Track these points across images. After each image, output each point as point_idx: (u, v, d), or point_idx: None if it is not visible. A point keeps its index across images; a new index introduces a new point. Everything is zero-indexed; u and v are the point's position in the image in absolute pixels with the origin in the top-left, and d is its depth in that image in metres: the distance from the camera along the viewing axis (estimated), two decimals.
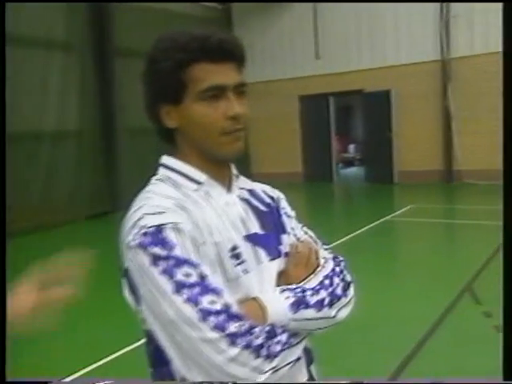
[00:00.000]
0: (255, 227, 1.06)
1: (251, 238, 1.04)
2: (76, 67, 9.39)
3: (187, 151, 1.05)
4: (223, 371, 0.87)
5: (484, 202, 8.86)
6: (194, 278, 0.89)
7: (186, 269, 0.89)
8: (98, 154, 9.83)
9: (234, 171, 1.11)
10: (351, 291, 1.09)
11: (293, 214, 1.19)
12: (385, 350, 3.43)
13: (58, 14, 9.07)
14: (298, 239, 1.14)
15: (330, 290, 1.04)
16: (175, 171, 1.04)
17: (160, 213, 0.93)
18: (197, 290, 0.88)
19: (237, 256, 0.99)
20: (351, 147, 18.59)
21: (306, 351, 1.08)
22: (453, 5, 10.68)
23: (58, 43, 9.10)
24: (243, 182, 1.14)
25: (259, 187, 1.18)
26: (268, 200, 1.15)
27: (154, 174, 1.08)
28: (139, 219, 0.93)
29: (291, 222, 1.16)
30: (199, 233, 0.95)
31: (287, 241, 1.11)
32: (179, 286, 0.88)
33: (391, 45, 11.49)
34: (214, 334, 0.87)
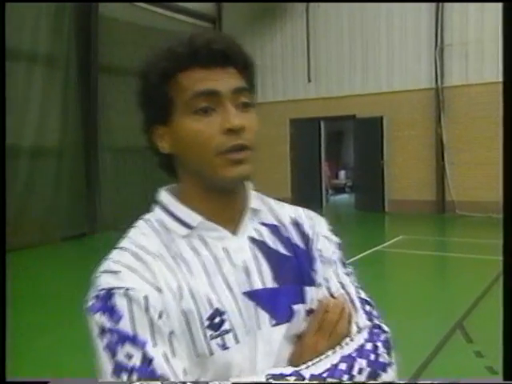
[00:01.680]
0: (265, 279, 0.88)
1: (252, 296, 0.86)
2: (59, 83, 9.39)
3: (185, 182, 0.91)
4: None
5: (477, 234, 8.93)
6: (135, 361, 0.76)
7: (128, 348, 0.77)
8: (77, 172, 9.77)
9: (254, 203, 0.93)
10: (386, 376, 0.86)
11: (335, 256, 0.97)
12: None
13: (43, 28, 9.11)
14: (331, 294, 0.92)
15: (346, 377, 0.83)
16: (166, 211, 0.90)
17: (116, 272, 0.81)
18: (134, 377, 0.76)
19: (216, 326, 0.82)
20: (342, 173, 18.75)
21: None
22: (447, 33, 10.95)
23: (41, 57, 9.12)
24: (269, 215, 0.95)
25: (293, 219, 0.97)
26: (297, 239, 0.95)
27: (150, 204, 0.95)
28: (98, 276, 0.83)
29: (327, 269, 0.95)
30: (161, 300, 0.80)
31: (314, 295, 0.91)
32: (117, 369, 0.76)
33: (385, 71, 11.71)
34: None
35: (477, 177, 10.77)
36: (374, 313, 0.94)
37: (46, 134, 9.21)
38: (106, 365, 0.78)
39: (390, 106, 11.57)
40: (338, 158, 19.24)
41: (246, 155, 0.84)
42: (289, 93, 12.91)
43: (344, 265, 0.99)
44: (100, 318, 0.79)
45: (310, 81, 12.62)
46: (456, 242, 9.02)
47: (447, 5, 10.80)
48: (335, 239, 1.00)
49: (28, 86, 8.84)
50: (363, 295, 0.96)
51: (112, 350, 0.77)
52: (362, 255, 7.47)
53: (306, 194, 12.83)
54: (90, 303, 0.81)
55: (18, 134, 8.59)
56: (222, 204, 0.89)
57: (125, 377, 0.76)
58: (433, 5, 10.90)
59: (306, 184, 12.87)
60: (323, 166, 13.18)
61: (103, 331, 0.78)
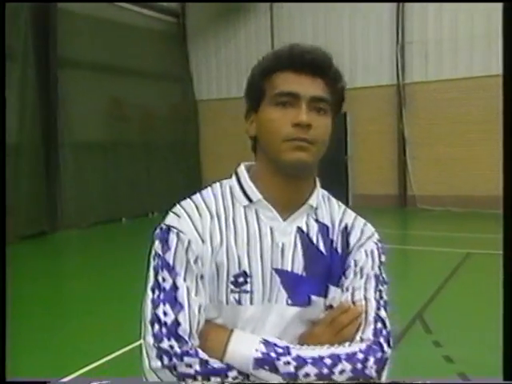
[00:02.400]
0: (295, 265, 1.02)
1: (280, 274, 1.02)
2: (16, 76, 9.12)
3: (259, 162, 1.08)
4: (143, 375, 0.97)
5: (436, 228, 9.18)
6: (166, 284, 0.98)
7: (165, 273, 0.98)
8: (37, 169, 9.52)
9: (313, 201, 1.07)
10: None
11: (371, 272, 1.07)
12: None
13: None
14: (354, 302, 1.03)
15: (326, 371, 0.94)
16: (238, 181, 1.08)
17: (178, 216, 1.03)
18: (162, 295, 0.97)
19: (239, 284, 1.00)
20: None
21: None
22: (408, 30, 11.18)
23: None
24: (326, 215, 1.09)
25: (345, 225, 1.10)
26: (340, 245, 1.08)
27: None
28: (167, 214, 1.05)
29: (359, 280, 1.05)
30: (201, 248, 1.00)
31: (337, 295, 1.04)
32: (155, 285, 0.99)
33: (347, 67, 11.85)
34: (151, 340, 0.95)
35: (437, 172, 11.06)
36: (383, 332, 1.02)
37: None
38: (151, 279, 1.00)
39: (352, 102, 11.70)
40: None
41: (307, 146, 0.99)
42: None
43: (378, 282, 1.07)
44: (158, 245, 1.02)
45: None
46: (416, 235, 9.25)
47: (408, 4, 11.02)
48: (378, 257, 1.10)
49: None
50: (382, 314, 1.04)
51: (155, 270, 1.00)
52: None
53: None
54: (157, 231, 1.04)
55: None
56: (283, 190, 1.04)
57: (157, 293, 0.98)
58: (394, 4, 11.10)
59: None
60: None
61: (156, 254, 1.01)
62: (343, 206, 1.16)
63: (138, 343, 3.86)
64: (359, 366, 0.96)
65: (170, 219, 1.03)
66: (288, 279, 1.02)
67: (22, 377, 2.92)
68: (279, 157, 1.01)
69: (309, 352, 0.96)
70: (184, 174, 12.51)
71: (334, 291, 1.04)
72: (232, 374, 0.93)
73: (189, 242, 0.99)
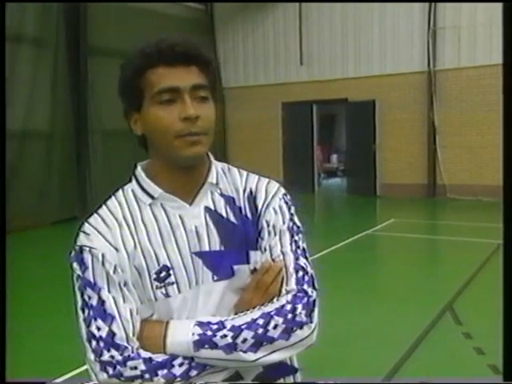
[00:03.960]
0: (212, 243, 1.07)
1: (200, 256, 1.06)
2: (48, 64, 9.26)
3: (153, 158, 1.10)
4: None
5: (467, 218, 9.00)
6: (92, 301, 1.01)
7: (89, 291, 1.02)
8: (68, 156, 9.69)
9: (213, 178, 1.10)
10: (301, 333, 1.02)
11: (283, 226, 1.11)
12: (362, 370, 3.43)
13: (30, 8, 8.95)
14: (274, 260, 1.08)
15: (261, 331, 1.00)
16: (137, 182, 1.11)
17: (88, 234, 1.05)
18: (91, 312, 1.01)
19: (163, 278, 1.04)
20: (334, 157, 18.75)
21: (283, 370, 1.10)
22: (439, 16, 10.91)
23: (29, 38, 8.97)
24: (229, 187, 1.12)
25: (250, 190, 1.13)
26: (248, 210, 1.11)
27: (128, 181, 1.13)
28: (77, 235, 1.07)
29: (273, 238, 1.09)
30: (117, 257, 1.03)
31: (257, 258, 1.08)
32: (83, 305, 1.02)
33: (377, 54, 11.66)
34: (92, 357, 0.99)
35: (467, 160, 10.83)
36: (306, 278, 1.07)
37: (36, 118, 9.11)
38: (78, 300, 1.04)
39: (382, 89, 11.55)
40: (331, 141, 19.22)
41: (200, 139, 1.02)
42: (281, 76, 12.83)
43: (292, 233, 1.11)
44: (76, 266, 1.04)
45: (302, 64, 12.54)
46: (446, 225, 9.09)
47: None
48: (288, 210, 1.14)
49: (16, 67, 8.71)
50: (301, 262, 1.09)
51: (80, 291, 1.03)
52: (353, 238, 7.52)
53: (298, 178, 12.83)
54: (71, 254, 1.06)
55: (7, 118, 8.48)
56: (181, 179, 1.07)
57: (86, 311, 1.01)
58: None
59: (298, 168, 12.86)
60: (315, 149, 13.16)
61: (77, 276, 1.04)
62: (245, 172, 1.17)
63: None
64: (289, 316, 1.01)
65: (81, 239, 1.05)
66: (209, 258, 1.06)
67: (22, 377, 2.95)
68: (174, 153, 1.03)
69: (242, 319, 1.01)
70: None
71: (254, 255, 1.08)
72: (177, 361, 0.99)
73: (103, 256, 1.02)
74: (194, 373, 0.99)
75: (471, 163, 10.77)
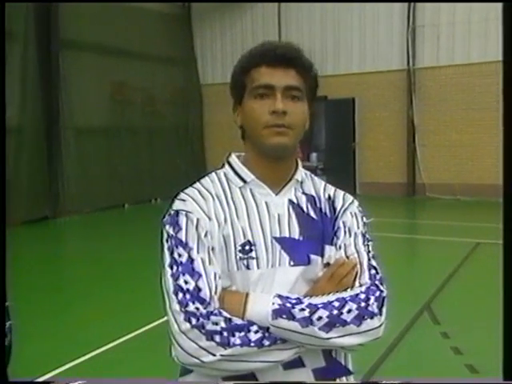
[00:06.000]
0: (292, 231, 1.20)
1: (279, 241, 1.18)
2: (17, 58, 9.09)
3: (247, 148, 1.26)
4: (174, 340, 1.09)
5: (446, 217, 9.15)
6: (182, 259, 1.13)
7: (180, 249, 1.13)
8: (38, 153, 9.52)
9: (299, 176, 1.26)
10: (372, 323, 1.12)
11: (358, 230, 1.25)
12: None
13: None
14: (348, 257, 1.20)
15: (336, 312, 1.10)
16: (231, 167, 1.26)
17: (184, 200, 1.19)
18: (180, 268, 1.12)
19: (246, 251, 1.16)
20: (313, 156, 18.79)
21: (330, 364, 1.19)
22: (419, 14, 11.05)
23: None
24: (311, 188, 1.28)
25: (329, 195, 1.29)
26: (328, 210, 1.26)
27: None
28: (172, 202, 1.21)
29: (349, 238, 1.22)
30: (209, 225, 1.16)
31: (332, 253, 1.20)
32: (172, 262, 1.14)
33: (356, 52, 11.75)
34: (177, 307, 1.09)
35: (447, 159, 11.00)
36: (377, 276, 1.20)
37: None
38: (166, 259, 1.15)
39: (361, 87, 11.65)
40: (310, 139, 19.26)
41: (285, 131, 1.16)
42: None
43: (365, 238, 1.26)
44: (169, 228, 1.17)
45: None
46: (425, 224, 9.23)
47: None
48: (361, 219, 1.29)
49: None
50: (373, 263, 1.22)
51: (170, 249, 1.15)
52: None
53: None
54: (165, 218, 1.19)
55: None
56: (271, 171, 1.22)
57: (175, 267, 1.13)
58: None
59: None
60: None
61: (168, 236, 1.16)
62: (323, 182, 1.34)
63: (141, 330, 3.90)
64: (363, 304, 1.12)
65: (177, 204, 1.19)
66: (287, 244, 1.18)
67: (24, 377, 2.93)
68: (262, 142, 1.18)
69: (318, 299, 1.12)
70: (188, 159, 12.49)
71: (329, 249, 1.20)
72: (253, 328, 1.08)
73: (197, 220, 1.15)
74: (266, 343, 1.08)
75: (450, 162, 10.95)
